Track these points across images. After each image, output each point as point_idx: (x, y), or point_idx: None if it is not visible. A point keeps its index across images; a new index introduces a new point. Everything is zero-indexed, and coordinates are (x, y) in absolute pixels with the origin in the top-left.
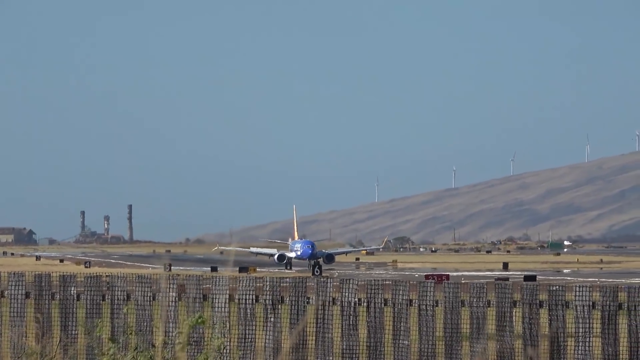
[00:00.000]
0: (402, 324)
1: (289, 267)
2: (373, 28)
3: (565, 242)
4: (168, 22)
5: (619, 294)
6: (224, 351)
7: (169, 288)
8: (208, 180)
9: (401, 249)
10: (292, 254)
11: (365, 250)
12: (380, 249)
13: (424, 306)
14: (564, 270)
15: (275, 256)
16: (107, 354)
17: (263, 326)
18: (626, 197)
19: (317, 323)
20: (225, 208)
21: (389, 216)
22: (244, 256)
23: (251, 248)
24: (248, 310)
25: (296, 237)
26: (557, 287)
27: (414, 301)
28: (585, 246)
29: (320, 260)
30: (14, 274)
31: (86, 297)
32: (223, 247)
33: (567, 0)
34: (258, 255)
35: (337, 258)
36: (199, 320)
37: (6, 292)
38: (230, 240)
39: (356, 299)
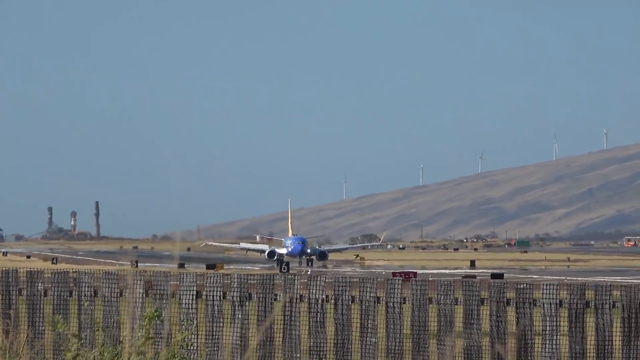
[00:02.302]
0: (369, 321)
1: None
2: (339, 27)
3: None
4: (139, 20)
5: (586, 292)
6: (191, 347)
7: (136, 284)
8: (175, 177)
9: (369, 247)
10: (283, 250)
11: (363, 246)
12: (377, 246)
13: (391, 303)
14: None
15: (266, 252)
16: (71, 349)
17: (230, 323)
18: (594, 195)
19: (284, 320)
20: (193, 205)
21: (357, 213)
22: (234, 252)
23: (241, 244)
24: (215, 307)
25: (290, 233)
26: (525, 285)
27: (381, 298)
28: (553, 244)
29: (314, 257)
30: None
31: (53, 293)
32: (212, 243)
33: (532, 4)
34: (248, 252)
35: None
36: (155, 314)
37: None
38: (199, 236)
39: (324, 296)
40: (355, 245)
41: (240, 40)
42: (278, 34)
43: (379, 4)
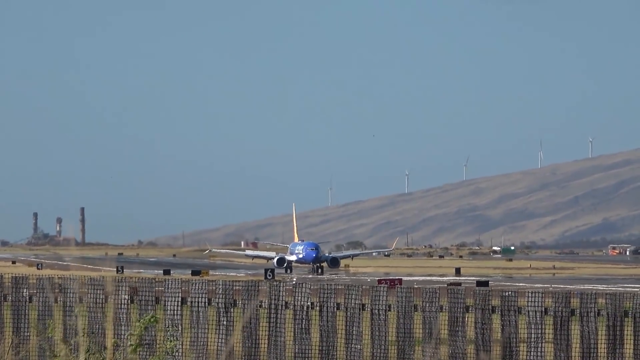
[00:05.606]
0: (354, 328)
1: (289, 271)
2: (322, 33)
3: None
4: (136, 19)
5: (572, 299)
6: (176, 354)
7: (121, 290)
8: (160, 182)
9: (382, 253)
10: (293, 257)
11: (372, 252)
12: (387, 252)
13: (376, 310)
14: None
15: (275, 259)
16: (59, 355)
17: (215, 329)
18: (579, 203)
19: (269, 326)
20: (177, 210)
21: (342, 220)
22: (237, 258)
23: (247, 251)
24: (200, 314)
25: (296, 239)
26: (510, 292)
27: (366, 305)
28: (538, 252)
29: (324, 264)
30: None
31: (38, 299)
32: (216, 250)
33: (519, 10)
34: (254, 259)
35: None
36: (151, 320)
37: None
38: (183, 243)
39: (309, 303)
40: (366, 252)
41: (217, 44)
42: (255, 40)
43: (363, 13)
